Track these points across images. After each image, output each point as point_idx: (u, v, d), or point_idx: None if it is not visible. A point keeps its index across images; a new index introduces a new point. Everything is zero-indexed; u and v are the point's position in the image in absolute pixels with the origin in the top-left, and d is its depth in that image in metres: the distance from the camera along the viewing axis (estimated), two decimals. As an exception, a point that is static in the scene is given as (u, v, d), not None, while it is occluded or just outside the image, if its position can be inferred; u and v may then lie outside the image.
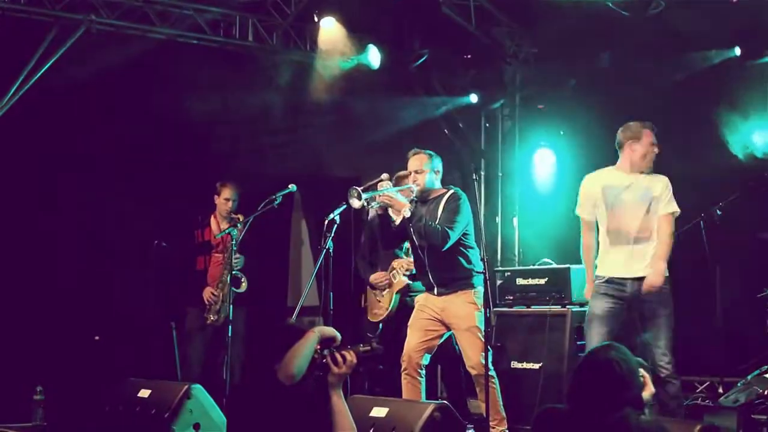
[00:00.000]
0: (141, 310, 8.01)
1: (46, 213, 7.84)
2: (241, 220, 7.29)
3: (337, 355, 3.63)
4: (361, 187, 5.93)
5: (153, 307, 7.93)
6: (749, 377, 6.40)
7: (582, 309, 6.59)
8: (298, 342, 3.55)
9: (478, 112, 9.82)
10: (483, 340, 5.81)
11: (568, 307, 6.78)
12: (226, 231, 7.24)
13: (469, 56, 9.50)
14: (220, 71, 8.22)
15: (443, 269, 6.07)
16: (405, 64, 9.14)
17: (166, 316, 7.67)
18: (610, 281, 5.87)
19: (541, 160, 9.54)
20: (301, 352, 3.52)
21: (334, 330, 3.69)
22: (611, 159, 6.12)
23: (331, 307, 6.07)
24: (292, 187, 6.79)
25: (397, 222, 6.14)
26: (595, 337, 5.75)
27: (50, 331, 7.63)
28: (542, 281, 7.11)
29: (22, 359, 7.37)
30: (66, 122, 7.77)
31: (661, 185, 5.93)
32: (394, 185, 6.36)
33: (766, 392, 6.01)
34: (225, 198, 7.59)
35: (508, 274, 7.57)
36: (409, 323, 6.22)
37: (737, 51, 7.81)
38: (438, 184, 6.22)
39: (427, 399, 6.07)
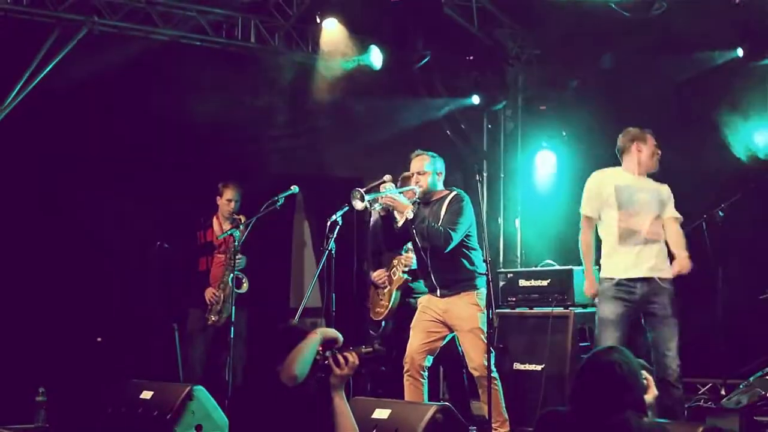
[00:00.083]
0: (143, 311, 8.04)
1: (49, 214, 7.85)
2: (243, 221, 7.29)
3: (339, 357, 3.63)
4: (364, 189, 5.94)
5: (155, 308, 7.95)
6: (752, 379, 6.39)
7: (585, 311, 6.59)
8: (301, 343, 3.55)
9: (481, 114, 9.82)
10: (485, 341, 5.80)
11: (570, 308, 6.77)
12: (229, 232, 7.25)
13: (471, 57, 9.50)
14: (223, 72, 8.22)
15: (446, 271, 6.06)
16: (407, 65, 9.14)
17: (168, 317, 7.68)
18: (619, 284, 5.84)
19: (543, 161, 9.53)
20: (304, 354, 3.52)
21: (336, 331, 3.69)
22: (614, 159, 6.12)
23: (334, 309, 6.08)
24: (295, 188, 6.79)
25: (400, 223, 6.14)
26: (610, 341, 5.65)
27: (52, 333, 7.63)
28: (545, 283, 7.10)
29: (24, 360, 7.37)
30: (68, 123, 7.77)
31: (667, 191, 5.98)
32: (400, 186, 6.36)
33: (768, 394, 6.02)
34: (227, 199, 7.59)
35: (511, 275, 7.56)
36: (411, 325, 6.22)
37: (740, 52, 7.80)
38: (440, 186, 6.22)
39: (429, 401, 6.07)
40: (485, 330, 5.80)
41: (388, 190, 6.13)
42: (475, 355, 5.91)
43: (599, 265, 6.05)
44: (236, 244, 7.08)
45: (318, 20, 8.70)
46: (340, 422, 3.58)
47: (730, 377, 7.01)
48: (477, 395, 6.18)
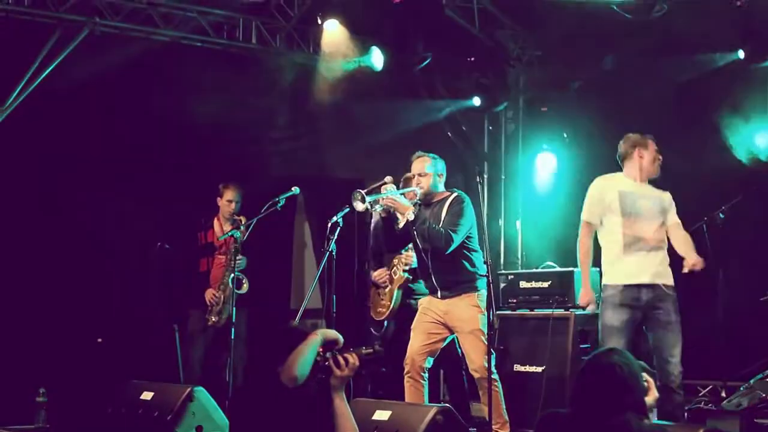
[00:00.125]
0: (144, 312, 8.03)
1: (49, 215, 7.85)
2: (243, 221, 7.29)
3: (340, 358, 3.63)
4: (365, 190, 5.94)
5: (156, 309, 7.96)
6: (752, 381, 6.39)
7: (585, 312, 6.59)
8: (301, 345, 3.55)
9: (482, 115, 9.81)
10: (486, 343, 5.80)
11: (571, 310, 6.76)
12: (230, 233, 7.25)
13: (472, 59, 9.48)
14: (224, 73, 8.22)
15: (447, 272, 6.06)
16: (408, 66, 9.12)
17: (168, 318, 7.68)
18: (624, 290, 5.84)
19: (544, 163, 9.52)
20: (304, 355, 3.52)
21: (337, 333, 3.69)
22: (615, 161, 6.12)
23: (334, 310, 6.07)
24: (295, 189, 6.79)
25: (401, 225, 6.14)
26: None
27: (53, 333, 7.63)
28: (545, 284, 7.10)
29: (24, 361, 7.37)
30: (69, 124, 7.77)
31: (669, 198, 6.00)
32: (402, 187, 6.36)
33: (769, 396, 6.02)
34: (228, 200, 7.59)
35: (512, 277, 7.57)
36: (412, 326, 6.22)
37: (741, 54, 7.80)
38: (441, 187, 6.22)
39: (429, 402, 6.07)
40: (486, 331, 5.80)
41: (389, 191, 6.13)
42: (476, 357, 5.91)
43: (598, 269, 6.05)
44: (237, 245, 7.08)
45: (319, 21, 8.69)
46: (340, 423, 3.58)
47: (730, 379, 7.00)
48: (477, 397, 6.18)
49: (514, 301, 7.29)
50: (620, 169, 6.09)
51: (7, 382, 7.14)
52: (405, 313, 6.79)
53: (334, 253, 6.05)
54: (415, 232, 6.04)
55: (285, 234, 9.61)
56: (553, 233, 8.62)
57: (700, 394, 7.51)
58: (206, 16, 8.35)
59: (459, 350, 6.23)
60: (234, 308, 6.90)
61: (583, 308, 6.19)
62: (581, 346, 6.64)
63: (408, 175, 6.52)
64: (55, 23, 7.62)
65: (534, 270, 7.61)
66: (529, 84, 9.61)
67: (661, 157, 5.98)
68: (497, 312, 7.02)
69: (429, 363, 6.10)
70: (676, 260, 5.96)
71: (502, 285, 7.56)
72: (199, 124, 8.06)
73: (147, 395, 6.21)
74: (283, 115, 8.90)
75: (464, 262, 6.06)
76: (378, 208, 6.24)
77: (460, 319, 6.00)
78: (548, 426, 3.44)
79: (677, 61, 8.00)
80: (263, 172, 8.59)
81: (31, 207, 7.76)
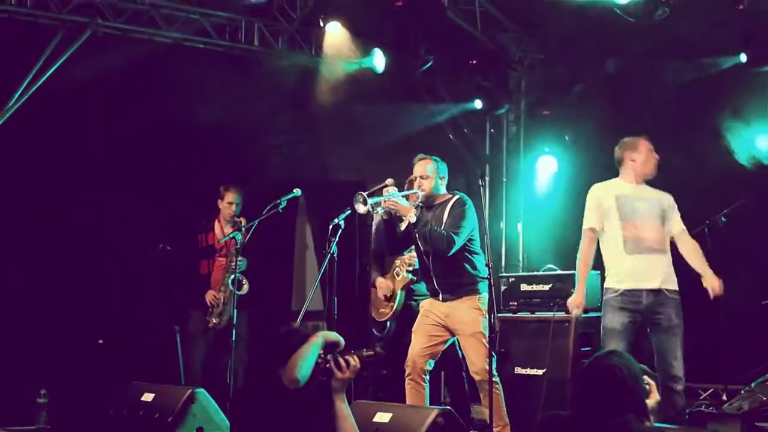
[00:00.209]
0: (144, 313, 8.03)
1: (51, 215, 7.86)
2: (244, 223, 7.29)
3: (341, 360, 3.63)
4: (367, 192, 5.94)
5: (156, 310, 7.95)
6: (753, 384, 6.39)
7: (586, 315, 6.58)
8: (302, 347, 3.55)
9: (483, 118, 9.82)
10: (487, 345, 5.80)
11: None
12: (231, 235, 7.25)
13: (474, 62, 9.48)
14: (226, 75, 8.23)
15: (448, 275, 6.06)
16: (410, 69, 9.13)
17: (169, 319, 7.68)
18: (625, 294, 5.84)
19: (545, 166, 9.52)
20: (305, 357, 3.52)
21: (338, 335, 3.69)
22: (616, 165, 6.12)
23: (335, 312, 6.07)
24: (297, 191, 6.79)
25: (403, 227, 6.14)
26: None
27: (54, 334, 7.64)
28: (546, 287, 7.11)
29: (25, 362, 7.38)
30: (72, 125, 7.78)
31: (669, 199, 6.00)
32: (406, 189, 6.36)
33: (770, 399, 6.01)
34: (228, 202, 7.59)
35: (513, 279, 7.56)
36: (413, 328, 6.22)
37: (743, 58, 7.80)
38: (443, 190, 6.23)
39: (430, 404, 6.07)
40: (487, 334, 5.81)
41: (391, 193, 6.14)
42: (477, 359, 5.91)
43: (599, 272, 6.05)
44: (237, 246, 7.08)
45: (321, 23, 8.70)
46: (341, 425, 3.58)
47: (731, 383, 7.00)
48: (478, 399, 6.18)
49: (515, 303, 7.29)
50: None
51: (8, 383, 7.14)
52: (406, 314, 6.79)
53: (335, 255, 6.04)
54: (416, 235, 6.04)
55: (286, 236, 9.61)
56: (554, 236, 8.61)
57: (701, 398, 7.50)
58: (209, 18, 8.36)
59: (460, 353, 6.23)
60: (235, 310, 6.90)
61: (573, 309, 6.17)
62: (582, 348, 6.65)
63: (412, 177, 6.51)
64: (57, 24, 7.63)
65: (535, 273, 7.61)
66: (531, 87, 9.61)
67: (656, 156, 5.98)
68: (498, 314, 7.01)
69: (430, 365, 6.10)
70: (680, 263, 5.94)
71: (503, 288, 7.55)
72: (201, 126, 8.07)
73: (148, 396, 6.20)
74: (285, 117, 8.90)
75: (466, 264, 6.06)
76: (380, 210, 6.23)
77: (461, 321, 6.00)
78: (549, 428, 3.44)
79: (679, 65, 8.01)
80: (265, 174, 8.60)
81: (32, 207, 7.77)
